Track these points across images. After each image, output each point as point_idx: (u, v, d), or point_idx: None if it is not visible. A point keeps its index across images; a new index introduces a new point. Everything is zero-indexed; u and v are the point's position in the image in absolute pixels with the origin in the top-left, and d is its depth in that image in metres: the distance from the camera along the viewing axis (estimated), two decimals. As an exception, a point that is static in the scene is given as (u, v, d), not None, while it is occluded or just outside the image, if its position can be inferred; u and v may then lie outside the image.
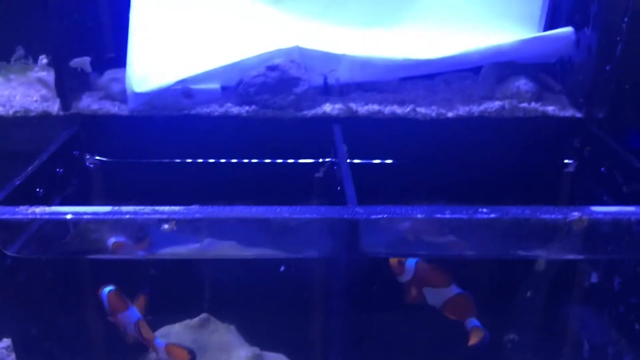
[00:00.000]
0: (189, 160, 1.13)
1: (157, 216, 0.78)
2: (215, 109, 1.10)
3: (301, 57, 1.11)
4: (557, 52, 1.13)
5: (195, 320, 1.08)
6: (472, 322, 0.98)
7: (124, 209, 0.78)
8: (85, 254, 0.82)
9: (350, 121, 1.11)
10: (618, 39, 1.03)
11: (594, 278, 0.99)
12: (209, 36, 1.13)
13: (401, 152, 1.13)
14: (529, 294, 1.04)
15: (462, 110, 1.11)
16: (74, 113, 1.11)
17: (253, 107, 1.10)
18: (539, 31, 1.16)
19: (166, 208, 0.78)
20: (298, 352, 1.12)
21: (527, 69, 1.15)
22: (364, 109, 1.11)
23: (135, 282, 1.01)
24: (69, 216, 0.77)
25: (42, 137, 1.08)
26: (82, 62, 1.10)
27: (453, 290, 0.98)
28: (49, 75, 1.15)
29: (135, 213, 0.78)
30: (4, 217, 0.77)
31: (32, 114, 1.10)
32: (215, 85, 1.12)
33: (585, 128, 1.09)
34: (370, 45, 1.14)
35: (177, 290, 1.09)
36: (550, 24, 1.16)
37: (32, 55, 1.24)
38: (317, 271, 1.03)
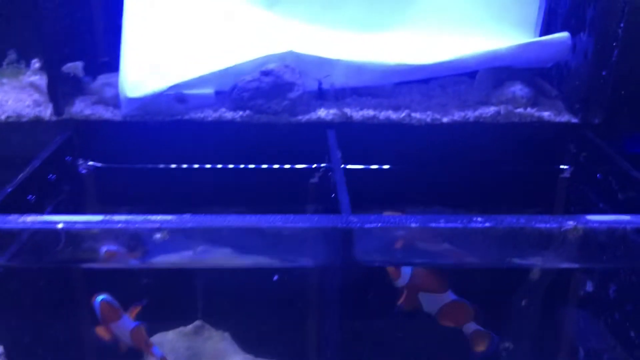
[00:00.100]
0: (183, 166, 1.12)
1: (149, 225, 0.77)
2: (209, 114, 1.10)
3: (295, 61, 1.10)
4: (553, 57, 1.12)
5: (190, 327, 1.08)
6: (471, 326, 0.97)
7: (116, 218, 0.78)
8: (77, 263, 0.81)
9: (345, 126, 1.10)
10: (614, 44, 1.03)
11: (590, 286, 0.99)
12: (203, 41, 1.12)
13: (396, 157, 1.12)
14: (524, 302, 1.04)
15: (457, 115, 1.11)
16: (66, 118, 1.10)
17: (247, 112, 1.09)
18: (535, 36, 1.16)
19: (158, 217, 0.77)
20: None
21: (523, 74, 1.15)
22: (358, 114, 1.11)
23: (129, 289, 1.01)
24: (60, 225, 0.76)
25: (34, 142, 1.07)
26: (75, 67, 1.09)
27: (449, 296, 0.98)
28: (42, 80, 1.14)
29: (127, 222, 0.77)
30: (-5, 225, 0.77)
31: (25, 119, 1.09)
32: (209, 90, 1.11)
33: (581, 134, 1.09)
34: (365, 49, 1.14)
35: (171, 297, 1.09)
36: (546, 28, 1.16)
37: (25, 59, 1.23)
38: (312, 278, 1.02)
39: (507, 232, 0.78)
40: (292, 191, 1.12)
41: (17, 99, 1.13)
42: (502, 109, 1.10)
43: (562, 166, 1.11)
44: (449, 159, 1.12)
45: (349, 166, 1.10)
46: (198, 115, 1.09)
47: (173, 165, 1.12)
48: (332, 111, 1.11)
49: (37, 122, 1.10)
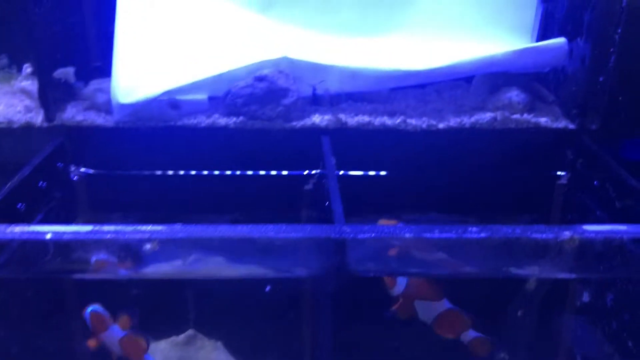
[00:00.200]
0: (176, 172, 1.11)
1: (139, 236, 0.76)
2: (202, 120, 1.08)
3: (290, 67, 1.09)
4: (550, 63, 1.11)
5: (182, 337, 1.07)
6: (470, 334, 0.96)
7: (106, 228, 0.76)
8: (66, 273, 0.80)
9: (339, 132, 1.09)
10: (611, 50, 1.01)
11: (587, 295, 0.98)
12: (196, 46, 1.11)
13: (392, 163, 1.11)
14: (520, 312, 1.03)
15: (453, 121, 1.10)
16: (58, 124, 1.08)
17: (241, 118, 1.08)
18: (531, 40, 1.15)
19: (148, 227, 0.76)
20: (286, 368, 1.11)
21: (520, 80, 1.14)
22: (353, 120, 1.10)
23: (120, 299, 1.00)
24: (48, 235, 0.75)
25: (25, 148, 1.06)
26: (66, 73, 1.08)
27: (445, 304, 0.97)
28: (33, 85, 1.13)
29: (116, 232, 0.76)
30: (-18, 236, 0.75)
31: (16, 125, 1.08)
32: (202, 96, 1.10)
33: (578, 140, 1.08)
34: (360, 55, 1.12)
35: (163, 306, 1.07)
36: (543, 33, 1.15)
37: (17, 64, 1.22)
38: (305, 287, 1.01)
39: (503, 243, 0.77)
40: (286, 198, 1.11)
41: (8, 105, 1.12)
42: (498, 115, 1.09)
43: (559, 172, 1.10)
44: (445, 165, 1.11)
45: (343, 172, 1.10)
46: (191, 121, 1.08)
47: (166, 172, 1.11)
48: (327, 117, 1.09)
49: (28, 128, 1.08)
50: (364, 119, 1.10)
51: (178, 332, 1.09)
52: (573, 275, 0.87)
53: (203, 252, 0.79)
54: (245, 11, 1.14)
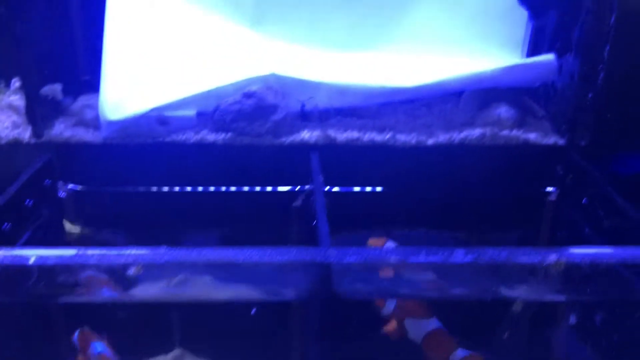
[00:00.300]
0: (165, 189, 1.10)
1: (123, 260, 0.76)
2: (191, 136, 1.08)
3: (278, 84, 1.08)
4: (539, 79, 1.11)
5: (169, 356, 1.06)
6: (460, 353, 0.96)
7: (90, 252, 0.76)
8: (50, 298, 0.79)
9: (329, 148, 1.09)
10: (600, 67, 1.01)
11: (576, 315, 0.97)
12: (185, 62, 1.10)
13: (381, 179, 1.11)
14: (508, 333, 1.03)
15: (442, 137, 1.09)
16: (45, 140, 1.08)
17: (229, 134, 1.08)
18: (522, 56, 1.14)
19: (132, 251, 0.76)
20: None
21: (509, 95, 1.14)
22: (342, 136, 1.09)
23: (107, 318, 0.99)
24: (31, 260, 0.75)
25: (13, 165, 1.05)
26: (53, 90, 1.07)
27: (434, 323, 0.97)
28: (21, 101, 1.12)
29: (100, 257, 0.76)
30: (-36, 260, 0.75)
31: (3, 141, 1.08)
32: (190, 112, 1.09)
33: (567, 156, 1.08)
34: (349, 70, 1.12)
35: (150, 326, 1.07)
36: (533, 48, 1.14)
37: (5, 79, 1.21)
38: (293, 307, 1.00)
39: (489, 266, 0.77)
40: (275, 214, 1.10)
41: (-4, 121, 1.12)
42: (487, 131, 1.09)
43: (548, 189, 1.10)
44: (435, 181, 1.11)
45: (333, 188, 1.09)
46: (180, 137, 1.08)
47: (155, 188, 1.10)
48: (316, 133, 1.09)
49: (16, 144, 1.08)
50: (353, 134, 1.10)
51: (165, 351, 1.08)
52: (560, 298, 0.87)
53: (188, 275, 0.78)
54: (234, 27, 1.13)
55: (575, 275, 0.77)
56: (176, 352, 1.06)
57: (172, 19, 1.12)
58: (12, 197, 0.94)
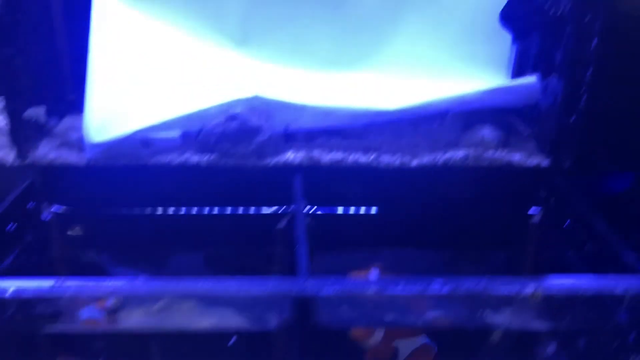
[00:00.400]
0: (149, 210, 1.10)
1: (101, 291, 0.76)
2: (175, 158, 1.08)
3: (262, 106, 1.08)
4: (522, 101, 1.11)
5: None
6: None
7: (68, 283, 0.76)
8: (28, 328, 0.79)
9: (313, 169, 1.09)
10: (582, 89, 1.01)
11: (554, 345, 0.98)
12: (169, 83, 1.10)
13: (366, 200, 1.11)
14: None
15: (426, 158, 1.09)
16: (30, 163, 1.08)
17: (213, 156, 1.08)
18: (507, 77, 1.15)
19: (110, 282, 0.76)
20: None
21: (495, 114, 1.14)
22: (327, 157, 1.10)
23: (88, 346, 0.99)
24: (9, 292, 0.75)
25: (-3, 187, 1.06)
26: (37, 112, 1.07)
27: (423, 339, 0.97)
28: (5, 122, 1.12)
29: (78, 288, 0.76)
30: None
31: (-13, 164, 1.08)
32: (174, 134, 1.10)
33: (550, 178, 1.08)
34: (333, 92, 1.12)
35: (128, 353, 1.07)
36: (518, 69, 1.15)
37: (-10, 98, 1.21)
38: (273, 336, 1.00)
39: (467, 296, 0.77)
40: (260, 236, 1.10)
41: (-20, 142, 1.11)
42: (471, 152, 1.09)
43: (532, 210, 1.10)
44: (420, 202, 1.11)
45: (318, 209, 1.10)
46: (163, 159, 1.08)
47: (139, 210, 1.10)
48: (300, 154, 1.09)
49: (-1, 167, 1.08)
50: (338, 155, 1.10)
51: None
52: (538, 327, 0.87)
53: (166, 304, 0.78)
54: (218, 48, 1.13)
55: (553, 305, 0.78)
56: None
57: (156, 40, 1.12)
58: (-5, 222, 0.94)
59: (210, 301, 0.80)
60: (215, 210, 1.10)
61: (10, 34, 1.01)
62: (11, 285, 0.75)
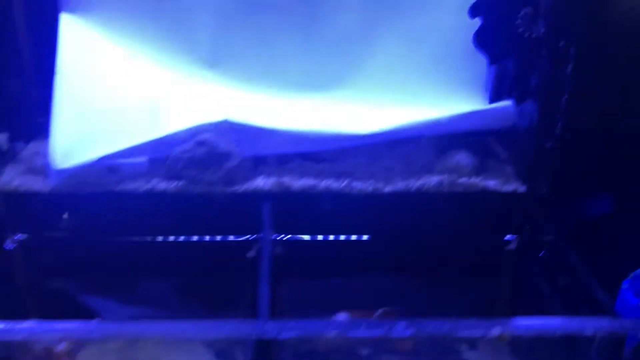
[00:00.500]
0: (117, 238, 1.08)
1: (53, 335, 0.73)
2: (142, 185, 1.06)
3: (231, 130, 1.06)
4: (498, 125, 1.09)
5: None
6: None
7: (18, 326, 0.73)
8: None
9: (283, 196, 1.06)
10: (558, 116, 0.99)
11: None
12: (136, 108, 1.08)
13: (338, 227, 1.09)
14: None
15: (399, 184, 1.07)
16: (-7, 190, 1.05)
17: (181, 182, 1.05)
18: (484, 100, 1.12)
19: (62, 325, 0.73)
20: None
21: (471, 138, 1.11)
22: (298, 183, 1.07)
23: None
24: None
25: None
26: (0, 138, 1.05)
27: None
28: (-31, 147, 1.10)
29: (30, 331, 0.73)
30: None
31: (-50, 192, 1.05)
32: (142, 160, 1.07)
33: (527, 204, 1.05)
34: (305, 116, 1.10)
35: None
36: (496, 92, 1.12)
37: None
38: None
39: (431, 338, 0.74)
40: (230, 264, 1.08)
41: (-57, 169, 1.09)
42: (445, 178, 1.07)
43: (507, 237, 1.08)
44: (393, 228, 1.09)
45: (289, 237, 1.07)
46: (130, 185, 1.05)
47: (106, 237, 1.08)
48: (271, 180, 1.07)
49: (-37, 193, 1.05)
50: (309, 182, 1.07)
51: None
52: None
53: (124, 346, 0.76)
54: (188, 72, 1.11)
55: (519, 347, 0.75)
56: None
57: (123, 65, 1.09)
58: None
59: (162, 349, 0.78)
60: (185, 238, 1.08)
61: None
62: (-41, 329, 0.72)
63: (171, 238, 1.07)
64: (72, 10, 1.09)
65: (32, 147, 1.10)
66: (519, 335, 0.75)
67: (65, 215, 1.05)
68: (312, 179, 1.07)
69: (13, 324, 0.74)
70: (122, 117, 1.07)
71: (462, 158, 1.08)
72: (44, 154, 1.06)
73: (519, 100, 1.05)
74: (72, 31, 1.09)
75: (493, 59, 1.06)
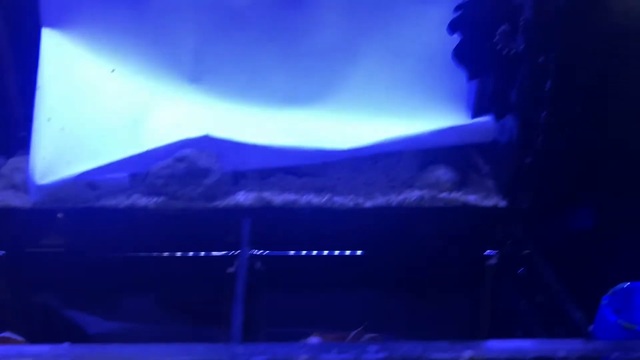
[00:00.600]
0: (97, 254, 1.08)
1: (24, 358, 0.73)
2: (122, 201, 1.06)
3: (212, 145, 1.06)
4: (478, 140, 1.09)
5: None
6: None
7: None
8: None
9: (265, 211, 1.06)
10: (537, 132, 0.99)
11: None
12: (117, 123, 1.08)
13: (319, 242, 1.08)
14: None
15: (380, 199, 1.07)
16: (-27, 206, 1.05)
17: (161, 198, 1.05)
18: (465, 116, 1.12)
19: (31, 348, 0.73)
20: None
21: (450, 154, 1.11)
22: (279, 198, 1.07)
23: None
24: None
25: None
26: (-22, 156, 1.05)
27: None
28: (-51, 163, 1.10)
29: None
30: None
31: None
32: (122, 175, 1.07)
33: (507, 219, 1.05)
34: (288, 131, 1.10)
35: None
36: (478, 108, 1.12)
37: None
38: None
39: (403, 361, 0.74)
40: (211, 279, 1.07)
41: None
42: (425, 193, 1.07)
43: (488, 252, 1.07)
44: (374, 243, 1.08)
45: (269, 252, 1.07)
46: (110, 202, 1.05)
47: (87, 253, 1.08)
48: (252, 196, 1.07)
49: (-57, 210, 1.05)
50: (290, 197, 1.07)
51: None
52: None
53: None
54: (170, 87, 1.11)
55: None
56: None
57: (104, 80, 1.09)
58: None
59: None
60: (166, 254, 1.07)
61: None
62: None
63: (152, 254, 1.07)
64: (53, 25, 1.09)
65: (13, 162, 1.10)
66: (490, 358, 0.74)
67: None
68: (294, 194, 1.07)
69: (-16, 347, 0.74)
70: (103, 133, 1.07)
71: (443, 173, 1.07)
72: (25, 169, 1.06)
73: (499, 116, 1.05)
74: (54, 46, 1.09)
75: (472, 75, 1.06)
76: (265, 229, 1.05)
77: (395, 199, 1.06)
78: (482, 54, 1.01)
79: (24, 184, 1.06)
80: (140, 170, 1.06)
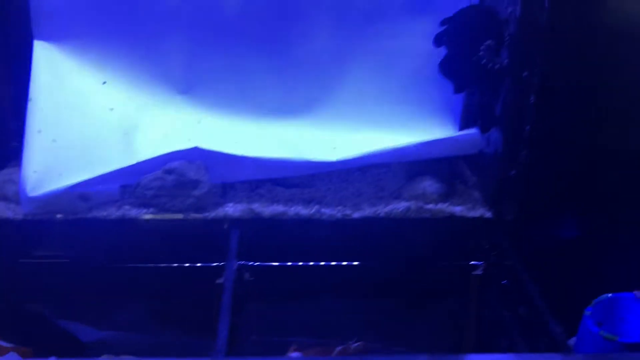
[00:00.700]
0: (88, 265, 1.09)
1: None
2: (113, 212, 1.07)
3: (201, 157, 1.07)
4: (464, 152, 1.10)
5: None
6: None
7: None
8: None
9: (253, 223, 1.07)
10: (521, 145, 1.00)
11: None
12: (108, 136, 1.09)
13: (307, 253, 1.10)
14: None
15: (368, 211, 1.08)
16: (-35, 217, 1.06)
17: (151, 209, 1.07)
18: (453, 128, 1.13)
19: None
20: None
21: (439, 163, 1.12)
22: (267, 210, 1.08)
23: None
24: None
25: None
26: (-30, 168, 1.06)
27: None
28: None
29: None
30: None
31: None
32: (113, 187, 1.08)
33: (493, 231, 1.06)
34: (276, 142, 1.11)
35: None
36: (465, 121, 1.13)
37: None
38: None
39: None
40: (200, 290, 1.08)
41: None
42: (412, 204, 1.08)
43: (474, 263, 1.09)
44: (362, 253, 1.10)
45: (258, 263, 1.08)
46: (101, 213, 1.07)
47: (78, 264, 1.09)
48: (240, 207, 1.08)
49: None
50: (279, 208, 1.08)
51: None
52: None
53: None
54: (160, 99, 1.12)
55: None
56: None
57: (96, 92, 1.10)
58: None
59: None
60: (156, 264, 1.09)
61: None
62: None
63: (142, 264, 1.08)
64: (45, 38, 1.10)
65: (4, 174, 1.11)
66: (470, 371, 0.75)
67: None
68: (282, 206, 1.09)
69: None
70: (94, 145, 1.08)
71: (429, 185, 1.09)
72: (16, 181, 1.07)
73: (484, 129, 1.06)
74: (46, 59, 1.10)
75: (458, 88, 1.07)
76: (253, 240, 1.07)
77: (382, 210, 1.08)
78: (467, 67, 1.02)
79: (16, 196, 1.07)
80: (130, 181, 1.07)
